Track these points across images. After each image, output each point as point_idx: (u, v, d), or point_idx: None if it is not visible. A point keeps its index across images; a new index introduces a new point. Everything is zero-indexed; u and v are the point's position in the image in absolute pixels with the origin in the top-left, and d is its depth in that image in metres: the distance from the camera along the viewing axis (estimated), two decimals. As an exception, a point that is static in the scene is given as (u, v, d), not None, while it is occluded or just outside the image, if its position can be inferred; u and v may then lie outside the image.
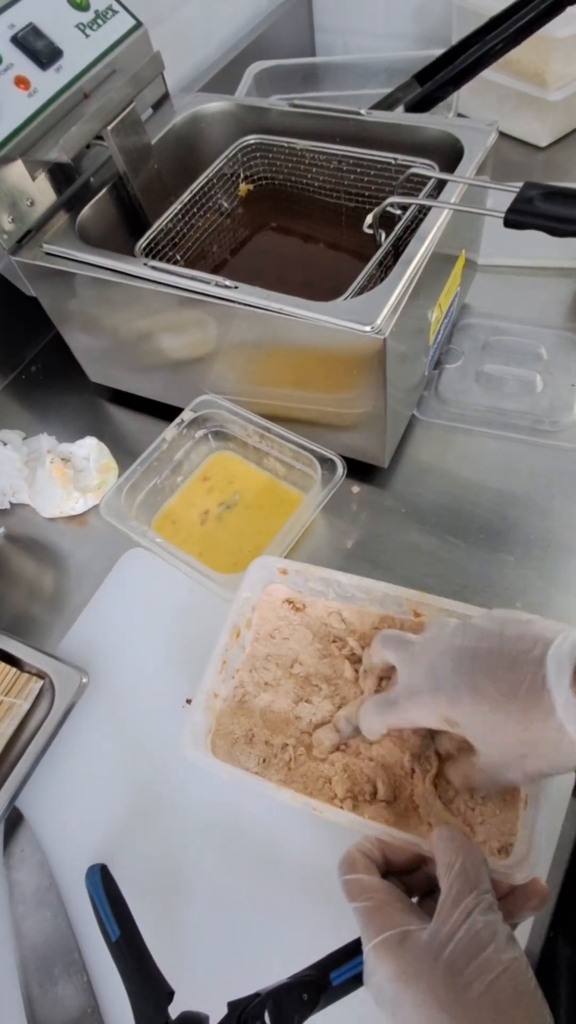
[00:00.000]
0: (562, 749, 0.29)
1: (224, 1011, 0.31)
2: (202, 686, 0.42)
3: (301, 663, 0.45)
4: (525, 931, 0.37)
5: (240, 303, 0.47)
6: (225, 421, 0.57)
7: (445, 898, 0.29)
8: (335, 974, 0.32)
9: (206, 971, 0.38)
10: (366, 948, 0.29)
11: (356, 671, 0.44)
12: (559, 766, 0.31)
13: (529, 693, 0.29)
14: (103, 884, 0.39)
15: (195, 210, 0.60)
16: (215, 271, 0.58)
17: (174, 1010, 0.33)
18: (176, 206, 0.58)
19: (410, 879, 0.33)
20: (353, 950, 0.33)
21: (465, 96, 0.81)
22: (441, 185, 0.52)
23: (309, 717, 0.43)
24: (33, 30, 0.52)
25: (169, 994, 0.34)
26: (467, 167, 0.52)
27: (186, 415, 0.56)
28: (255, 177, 0.65)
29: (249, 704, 0.43)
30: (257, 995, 0.31)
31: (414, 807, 0.39)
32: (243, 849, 0.42)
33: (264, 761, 0.41)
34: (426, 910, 0.30)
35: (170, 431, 0.55)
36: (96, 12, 0.55)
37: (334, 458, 0.51)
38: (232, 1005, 0.31)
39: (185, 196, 0.58)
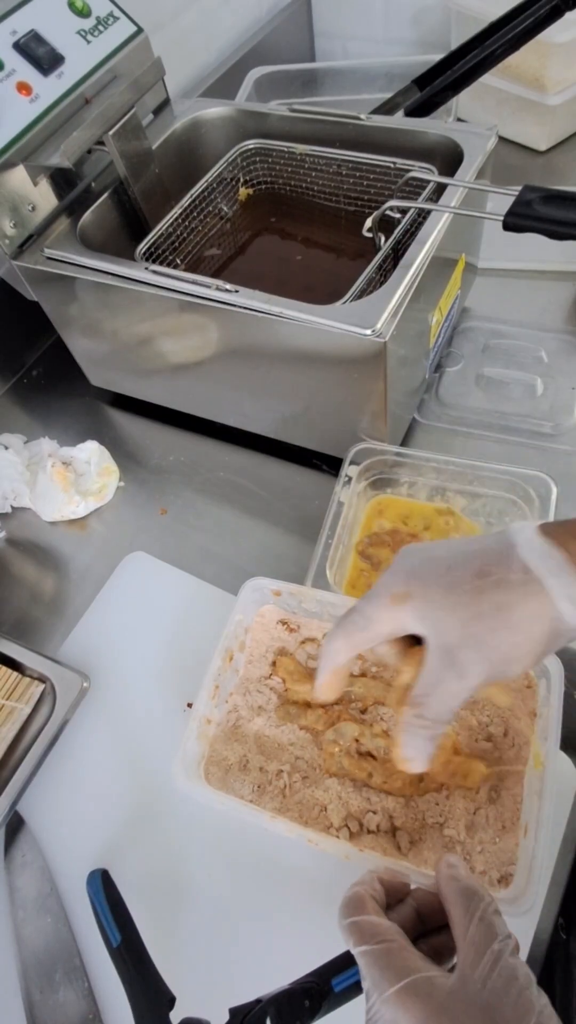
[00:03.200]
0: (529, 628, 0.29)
1: (225, 1017, 0.31)
2: (194, 712, 0.42)
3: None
4: (528, 932, 0.37)
5: (240, 307, 0.47)
6: (389, 466, 0.52)
7: (469, 942, 0.28)
8: (336, 980, 0.32)
9: (207, 977, 0.38)
10: (385, 995, 0.27)
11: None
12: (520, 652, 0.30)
13: (500, 564, 0.30)
14: (104, 890, 0.39)
15: (195, 214, 0.60)
16: (215, 275, 0.58)
17: (175, 1016, 0.33)
18: (176, 210, 0.58)
19: (398, 916, 0.32)
20: (355, 957, 0.33)
21: (464, 101, 0.81)
22: (440, 189, 0.52)
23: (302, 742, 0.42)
24: (35, 36, 0.52)
25: (170, 1000, 0.34)
26: (467, 171, 0.52)
27: (350, 470, 0.51)
28: (255, 181, 0.65)
29: (243, 729, 0.43)
30: (258, 1001, 0.31)
31: (412, 837, 0.38)
32: (244, 854, 0.41)
33: (259, 788, 0.41)
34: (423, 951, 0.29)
35: (343, 491, 0.50)
36: (97, 18, 0.56)
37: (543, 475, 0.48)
38: (233, 1011, 0.31)
39: (185, 200, 0.58)
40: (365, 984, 0.28)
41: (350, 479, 0.51)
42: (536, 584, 0.29)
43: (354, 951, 0.29)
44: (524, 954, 0.36)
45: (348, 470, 0.51)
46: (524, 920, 0.35)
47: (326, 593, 0.45)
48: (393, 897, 0.32)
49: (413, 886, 0.33)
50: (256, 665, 0.45)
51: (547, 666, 0.40)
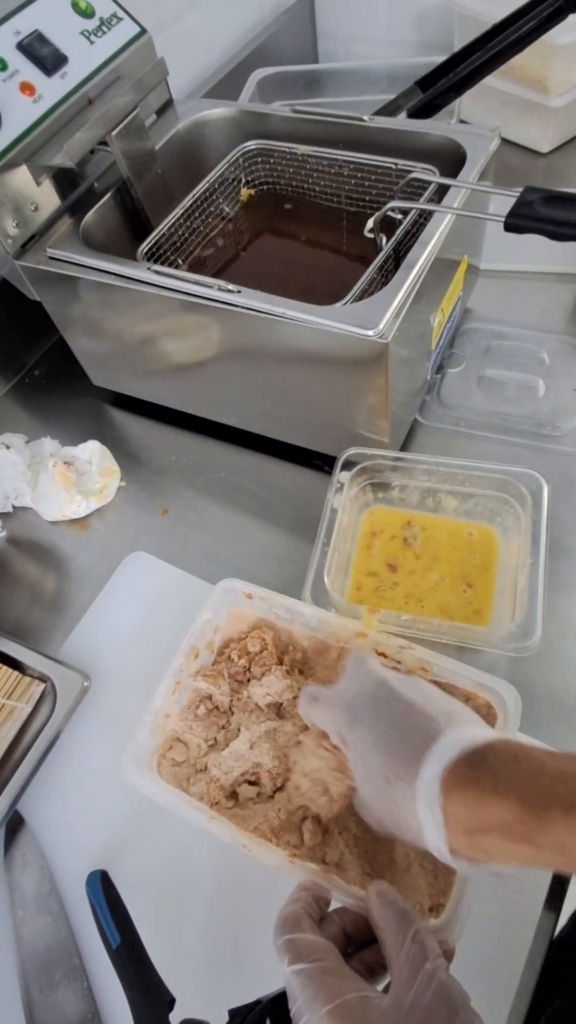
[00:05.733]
0: (418, 835, 0.31)
1: (225, 1018, 0.31)
2: (150, 706, 0.42)
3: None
4: (531, 929, 0.37)
5: (242, 307, 0.47)
6: (381, 469, 0.52)
7: (402, 962, 0.28)
8: (337, 981, 0.32)
9: (207, 978, 0.38)
10: (319, 1014, 0.26)
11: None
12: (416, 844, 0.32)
13: (406, 774, 0.31)
14: (104, 890, 0.39)
15: (197, 215, 0.60)
16: (217, 275, 0.58)
17: (175, 1017, 0.33)
18: (178, 211, 0.58)
19: (327, 933, 0.31)
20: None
21: (467, 102, 0.81)
22: (443, 190, 0.52)
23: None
24: (39, 37, 0.52)
25: (170, 1001, 0.34)
26: (469, 173, 0.53)
27: (341, 476, 0.51)
28: (257, 182, 0.65)
29: (202, 726, 0.43)
30: (258, 1002, 0.31)
31: (345, 856, 0.38)
32: (243, 855, 0.41)
33: (211, 788, 0.41)
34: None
35: (335, 498, 0.50)
36: (101, 19, 0.56)
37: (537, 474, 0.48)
38: (233, 1012, 0.31)
39: (187, 201, 0.59)
40: (295, 1005, 0.28)
41: (342, 485, 0.51)
42: (419, 822, 0.30)
43: (288, 970, 0.29)
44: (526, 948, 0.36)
45: (340, 476, 0.51)
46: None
47: (295, 601, 0.45)
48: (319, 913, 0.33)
49: (336, 904, 0.33)
50: (225, 664, 0.45)
51: (503, 697, 0.40)
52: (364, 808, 0.35)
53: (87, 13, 0.55)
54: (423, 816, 0.30)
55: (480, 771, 0.29)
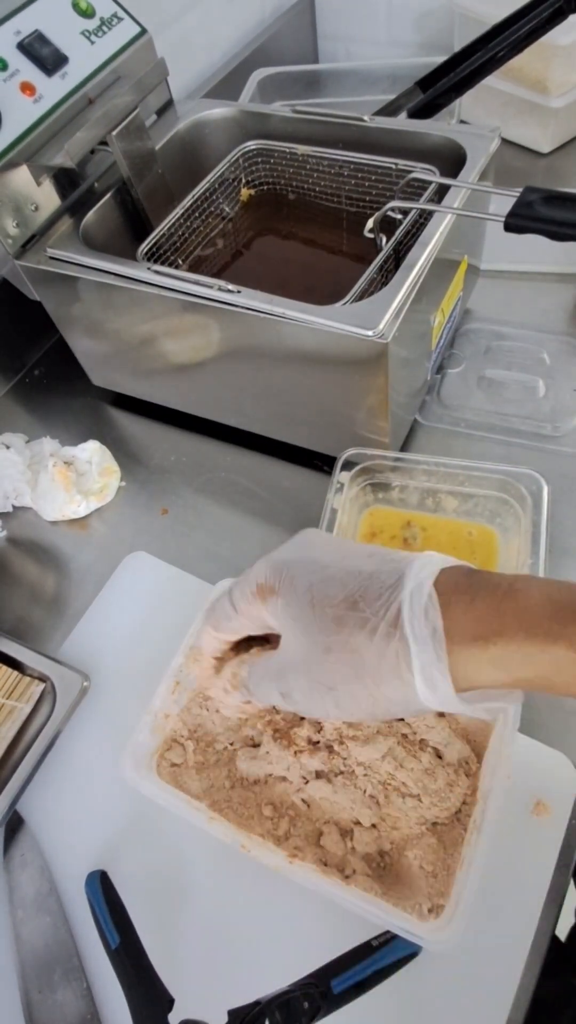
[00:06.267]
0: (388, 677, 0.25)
1: (224, 1019, 0.31)
2: (150, 706, 0.42)
3: None
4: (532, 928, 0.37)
5: (242, 307, 0.47)
6: (381, 470, 0.51)
7: None
8: (336, 982, 0.32)
9: (206, 979, 0.38)
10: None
11: None
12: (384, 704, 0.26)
13: (372, 604, 0.25)
14: (103, 891, 0.39)
15: (197, 215, 0.60)
16: (217, 275, 0.58)
17: (174, 1018, 0.33)
18: (178, 211, 0.58)
19: None
20: (354, 958, 0.33)
21: (467, 103, 0.81)
22: (443, 191, 0.52)
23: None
24: (39, 37, 0.52)
25: (169, 1002, 0.34)
26: (469, 173, 0.53)
27: (341, 476, 0.50)
28: (257, 182, 0.65)
29: (204, 727, 0.43)
30: (257, 1003, 0.31)
31: (347, 845, 0.38)
32: (243, 856, 0.41)
33: (210, 786, 0.41)
34: None
35: (335, 498, 0.49)
36: (101, 19, 0.56)
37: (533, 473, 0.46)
38: (233, 1013, 0.31)
39: (187, 201, 0.59)
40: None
41: (342, 485, 0.51)
42: (400, 645, 0.24)
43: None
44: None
45: (340, 476, 0.51)
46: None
47: None
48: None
49: (335, 904, 0.33)
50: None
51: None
52: (295, 676, 0.27)
53: (87, 13, 0.55)
54: (414, 632, 0.24)
55: (482, 577, 0.25)
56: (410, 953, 0.35)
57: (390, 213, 0.51)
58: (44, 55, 0.52)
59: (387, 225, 0.52)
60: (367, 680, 0.25)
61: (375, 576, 0.26)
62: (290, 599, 0.27)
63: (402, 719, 0.41)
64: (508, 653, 0.23)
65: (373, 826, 0.39)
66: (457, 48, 0.60)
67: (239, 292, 0.48)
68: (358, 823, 0.39)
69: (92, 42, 0.55)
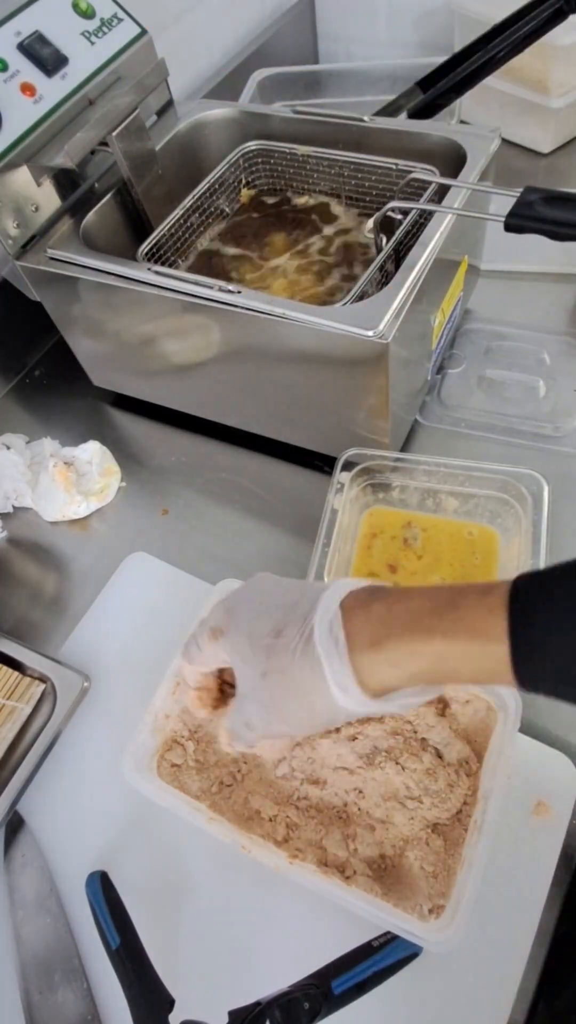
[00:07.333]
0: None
1: (225, 1020, 0.31)
2: (151, 707, 0.42)
3: None
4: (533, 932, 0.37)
5: (242, 308, 0.47)
6: (382, 470, 0.52)
7: None
8: (336, 983, 0.32)
9: (207, 980, 0.38)
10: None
11: None
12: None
13: (295, 621, 0.30)
14: (103, 891, 0.39)
15: (198, 215, 0.60)
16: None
17: (175, 1019, 0.33)
18: (179, 211, 0.58)
19: None
20: (355, 959, 0.33)
21: (467, 103, 0.81)
22: (443, 190, 0.52)
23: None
24: (39, 38, 0.52)
25: (170, 1002, 0.34)
26: (469, 173, 0.53)
27: (341, 477, 0.51)
28: (257, 182, 0.65)
29: (202, 726, 0.43)
30: (258, 1004, 0.31)
31: (348, 847, 0.38)
32: (243, 856, 0.41)
33: (210, 787, 0.41)
34: None
35: (335, 499, 0.50)
36: (101, 20, 0.56)
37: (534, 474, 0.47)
38: (233, 1014, 0.31)
39: (188, 201, 0.59)
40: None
41: (342, 485, 0.51)
42: (315, 660, 0.28)
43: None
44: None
45: (340, 476, 0.51)
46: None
47: None
48: None
49: (335, 905, 0.34)
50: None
51: (504, 698, 0.40)
52: (248, 704, 0.32)
53: (88, 14, 0.55)
54: (322, 647, 0.28)
55: (381, 591, 0.29)
56: (411, 954, 0.34)
57: (390, 213, 0.51)
58: (44, 56, 0.52)
59: (387, 225, 0.52)
60: (300, 696, 0.29)
61: (297, 606, 0.30)
62: (233, 637, 0.32)
63: (402, 720, 0.41)
64: (398, 652, 0.27)
65: (373, 828, 0.39)
66: (457, 48, 0.60)
67: (239, 292, 0.48)
68: (359, 824, 0.39)
69: (92, 43, 0.55)
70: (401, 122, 0.60)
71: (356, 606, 0.29)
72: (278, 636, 0.30)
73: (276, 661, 0.29)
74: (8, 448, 0.60)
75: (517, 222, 0.44)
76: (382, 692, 0.28)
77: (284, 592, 0.32)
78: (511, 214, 0.44)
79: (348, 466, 0.52)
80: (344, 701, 0.28)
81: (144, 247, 0.55)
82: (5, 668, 0.48)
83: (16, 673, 0.48)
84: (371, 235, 0.53)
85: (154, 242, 0.56)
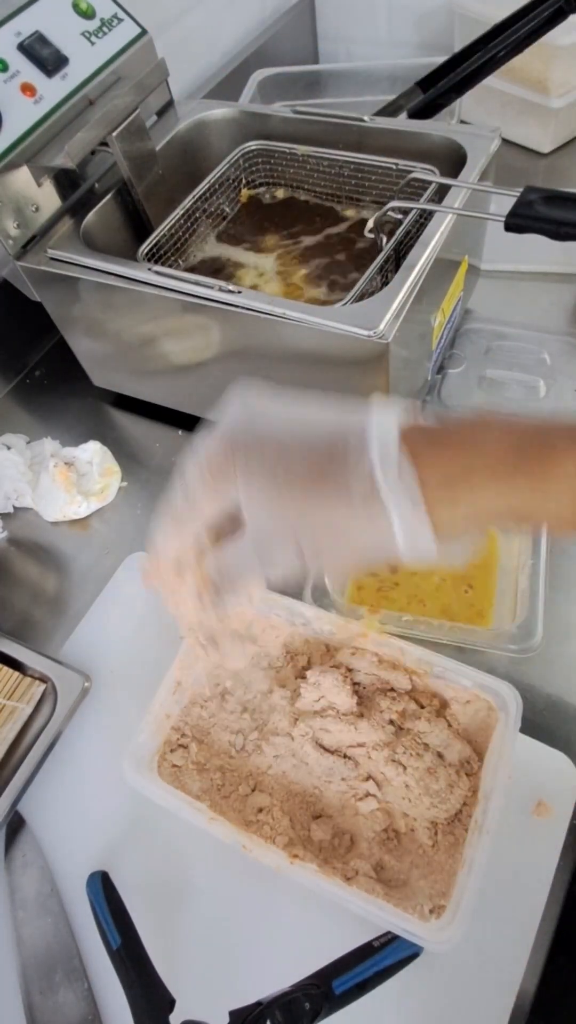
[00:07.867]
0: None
1: (226, 1020, 0.31)
2: (151, 707, 0.42)
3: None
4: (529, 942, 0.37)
5: (243, 308, 0.47)
6: None
7: None
8: (337, 983, 0.32)
9: (208, 979, 0.38)
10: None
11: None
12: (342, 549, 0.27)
13: (337, 457, 0.26)
14: (104, 892, 0.39)
15: (198, 215, 0.61)
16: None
17: (175, 1019, 0.33)
18: (179, 211, 0.58)
19: None
20: (355, 959, 0.33)
21: (468, 103, 0.81)
22: (443, 190, 0.52)
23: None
24: (39, 38, 0.52)
25: (170, 1003, 0.34)
26: (470, 173, 0.53)
27: None
28: (257, 182, 0.65)
29: (202, 727, 0.43)
30: (259, 1004, 0.31)
31: (349, 847, 0.38)
32: (244, 857, 0.41)
33: (211, 787, 0.41)
34: None
35: None
36: (102, 20, 0.56)
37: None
38: (234, 1014, 0.31)
39: (188, 201, 0.59)
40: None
41: None
42: (377, 502, 0.25)
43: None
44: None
45: None
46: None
47: (295, 601, 0.45)
48: None
49: (334, 905, 0.33)
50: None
51: (504, 698, 0.40)
52: (271, 543, 0.27)
53: (88, 14, 0.55)
54: (391, 495, 0.24)
55: (451, 421, 0.26)
56: (411, 954, 0.34)
57: (390, 213, 0.51)
58: (44, 56, 0.52)
59: (387, 225, 0.52)
60: (350, 542, 0.26)
61: (333, 440, 0.26)
62: (251, 478, 0.27)
63: (400, 728, 0.41)
64: (480, 497, 0.25)
65: (374, 827, 0.39)
66: (457, 48, 0.60)
67: (239, 292, 0.48)
68: (359, 824, 0.39)
69: (92, 43, 0.55)
70: (401, 122, 0.60)
71: (419, 440, 0.25)
72: (321, 480, 0.25)
73: (323, 504, 0.26)
74: (8, 448, 0.60)
75: (517, 222, 0.44)
76: (450, 539, 0.26)
77: (307, 424, 0.27)
78: (511, 214, 0.44)
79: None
80: (409, 549, 0.25)
81: (144, 247, 0.55)
82: (5, 668, 0.48)
83: (16, 673, 0.48)
84: (371, 235, 0.53)
85: (154, 242, 0.56)
